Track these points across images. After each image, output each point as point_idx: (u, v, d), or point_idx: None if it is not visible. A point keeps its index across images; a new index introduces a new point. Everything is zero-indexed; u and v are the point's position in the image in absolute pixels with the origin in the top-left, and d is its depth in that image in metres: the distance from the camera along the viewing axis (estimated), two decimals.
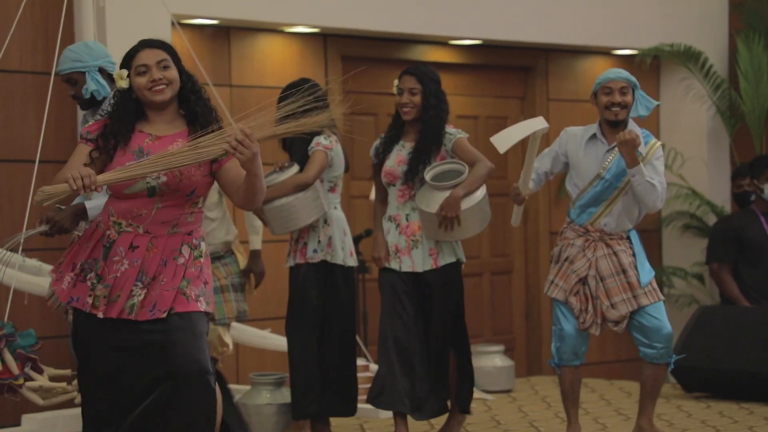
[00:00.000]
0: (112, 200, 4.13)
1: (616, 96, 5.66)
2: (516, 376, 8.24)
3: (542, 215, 9.05)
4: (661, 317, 5.61)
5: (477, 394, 7.68)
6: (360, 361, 6.70)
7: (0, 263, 5.10)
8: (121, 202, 4.09)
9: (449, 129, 5.83)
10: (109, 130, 4.09)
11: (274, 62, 7.81)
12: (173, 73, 4.12)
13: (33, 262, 5.80)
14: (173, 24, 6.88)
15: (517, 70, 9.10)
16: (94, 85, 5.06)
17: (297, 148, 5.95)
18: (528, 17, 8.62)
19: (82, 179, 3.87)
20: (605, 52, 9.29)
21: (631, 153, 5.47)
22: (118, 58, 6.72)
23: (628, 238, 5.70)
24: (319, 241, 5.95)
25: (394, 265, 5.84)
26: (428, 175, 5.67)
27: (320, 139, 5.90)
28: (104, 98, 5.08)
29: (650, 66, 9.16)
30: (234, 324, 6.30)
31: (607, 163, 5.65)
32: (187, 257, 4.11)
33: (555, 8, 8.72)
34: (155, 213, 4.08)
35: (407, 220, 5.83)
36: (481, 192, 5.75)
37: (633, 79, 5.74)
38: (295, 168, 5.86)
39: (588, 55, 9.27)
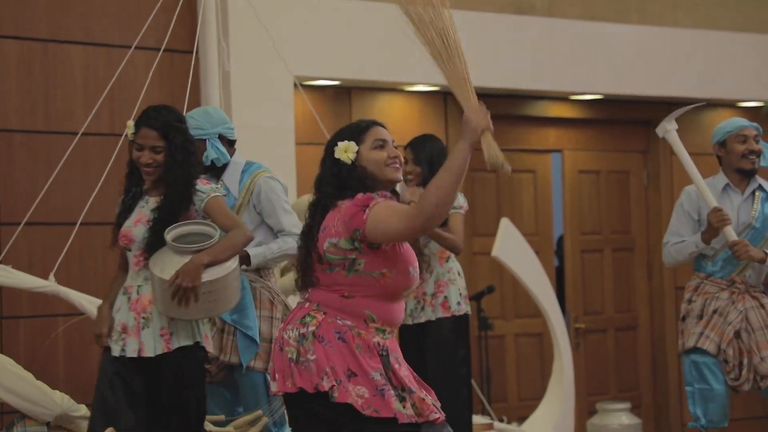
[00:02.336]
0: (373, 302, 3.78)
1: (752, 144, 5.56)
2: None
3: (667, 269, 8.91)
4: None
5: None
6: (482, 419, 6.65)
7: None
8: (392, 303, 3.80)
9: (201, 186, 4.68)
10: None
11: (395, 121, 7.88)
12: (400, 154, 3.97)
13: None
14: (296, 85, 7.00)
15: (639, 124, 9.03)
16: (214, 153, 5.04)
17: None
18: (649, 70, 8.55)
19: (486, 115, 3.89)
20: (730, 105, 9.16)
21: None
22: (242, 121, 6.92)
23: None
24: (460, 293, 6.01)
25: (115, 349, 4.60)
26: (169, 235, 4.57)
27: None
28: (224, 165, 5.09)
29: None
30: None
31: (754, 212, 5.53)
32: None
33: (676, 61, 8.64)
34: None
35: (138, 293, 4.65)
36: (232, 264, 4.62)
37: (760, 128, 5.67)
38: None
39: (712, 108, 9.15)
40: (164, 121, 4.62)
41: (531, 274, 7.47)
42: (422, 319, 6.01)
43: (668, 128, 5.64)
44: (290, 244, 5.00)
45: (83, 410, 4.99)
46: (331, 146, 3.89)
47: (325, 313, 3.77)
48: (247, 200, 5.09)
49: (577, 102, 8.69)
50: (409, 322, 6.00)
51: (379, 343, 3.75)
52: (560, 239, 8.96)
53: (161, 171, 4.62)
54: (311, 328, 3.74)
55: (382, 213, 3.69)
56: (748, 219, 5.51)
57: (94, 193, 6.20)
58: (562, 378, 7.78)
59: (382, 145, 3.89)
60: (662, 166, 8.91)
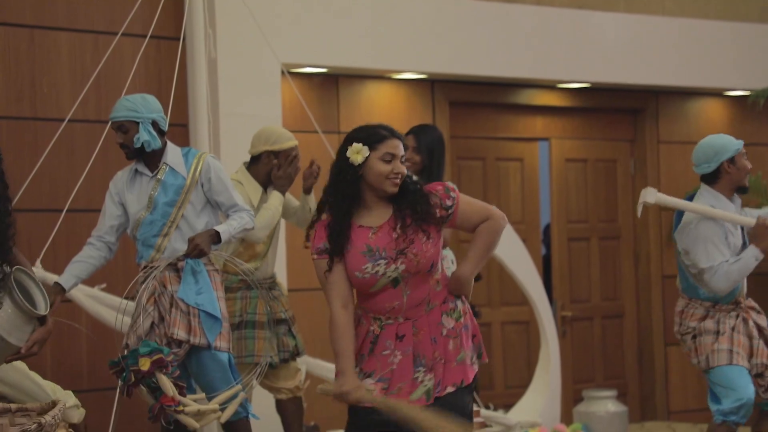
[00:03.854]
0: (360, 296, 4.13)
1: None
2: (629, 421, 8.13)
3: (654, 258, 8.93)
4: None
5: None
6: None
7: (120, 312, 5.23)
8: (371, 298, 4.09)
9: None
10: (332, 228, 4.06)
11: (382, 109, 7.88)
12: (404, 169, 4.09)
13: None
14: (283, 73, 7.00)
15: (627, 112, 9.04)
16: (146, 135, 5.16)
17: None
18: (637, 59, 8.56)
19: (353, 400, 3.99)
20: (717, 94, 9.18)
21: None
22: (229, 108, 6.91)
23: None
24: None
25: None
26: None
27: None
28: (153, 150, 5.21)
29: (763, 107, 9.02)
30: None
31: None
32: (451, 326, 4.09)
33: (664, 49, 8.66)
34: (407, 300, 4.05)
35: None
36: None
37: None
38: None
39: (699, 97, 9.17)
40: None
41: (518, 262, 7.49)
42: None
43: (650, 200, 5.64)
44: (246, 220, 5.23)
45: (72, 399, 5.00)
46: (347, 138, 4.10)
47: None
48: (196, 180, 5.21)
49: (565, 90, 8.70)
50: None
51: (373, 332, 4.08)
52: (547, 227, 8.98)
53: None
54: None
55: (317, 274, 4.12)
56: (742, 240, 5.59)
57: (81, 180, 6.19)
58: (548, 366, 7.80)
59: (390, 159, 4.03)
60: (649, 155, 8.92)
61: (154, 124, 5.21)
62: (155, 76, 6.99)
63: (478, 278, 7.26)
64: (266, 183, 5.87)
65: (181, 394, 4.93)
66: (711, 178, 5.57)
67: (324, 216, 4.09)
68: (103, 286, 5.93)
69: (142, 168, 5.27)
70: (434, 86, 8.13)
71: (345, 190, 4.04)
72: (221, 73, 6.98)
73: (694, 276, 5.54)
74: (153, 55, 6.95)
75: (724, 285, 5.43)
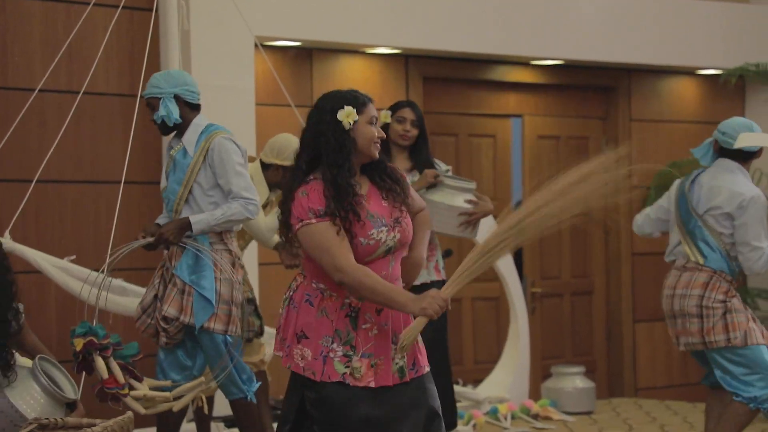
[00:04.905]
0: None
1: None
2: (597, 397, 8.19)
3: (624, 236, 8.98)
4: None
5: (557, 415, 7.65)
6: None
7: (89, 284, 5.21)
8: None
9: None
10: (339, 194, 3.88)
11: (356, 83, 7.86)
12: (383, 134, 4.05)
13: (118, 282, 5.89)
14: (256, 46, 6.97)
15: (599, 90, 9.06)
16: (163, 111, 5.11)
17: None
18: (610, 37, 8.58)
19: (440, 307, 3.80)
20: (689, 72, 9.21)
21: None
22: (202, 81, 6.87)
23: None
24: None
25: None
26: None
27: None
28: (178, 125, 5.15)
29: (735, 86, 9.07)
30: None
31: None
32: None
33: (637, 28, 8.67)
34: (391, 272, 3.96)
35: None
36: None
37: None
38: None
39: (671, 75, 9.20)
40: None
41: None
42: (418, 282, 6.09)
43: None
44: (234, 210, 5.06)
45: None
46: (326, 105, 3.98)
47: (305, 277, 3.95)
48: (202, 159, 5.12)
49: (538, 67, 8.70)
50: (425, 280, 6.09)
51: (350, 304, 3.88)
52: (519, 204, 8.99)
53: None
54: (290, 293, 3.97)
55: (311, 241, 3.85)
56: None
57: (51, 151, 6.16)
58: (517, 342, 7.85)
59: (374, 122, 4.00)
60: (621, 133, 8.95)
61: (179, 99, 5.15)
62: (127, 47, 6.95)
63: (449, 253, 7.31)
64: (274, 186, 5.92)
65: (134, 377, 4.90)
66: (740, 156, 5.69)
67: (312, 181, 3.90)
68: (73, 257, 5.91)
69: (174, 142, 5.23)
70: (408, 61, 8.12)
71: (342, 156, 3.90)
72: (194, 46, 6.94)
73: (733, 248, 5.61)
74: (126, 25, 6.90)
75: (762, 269, 5.60)
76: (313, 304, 3.89)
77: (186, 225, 5.04)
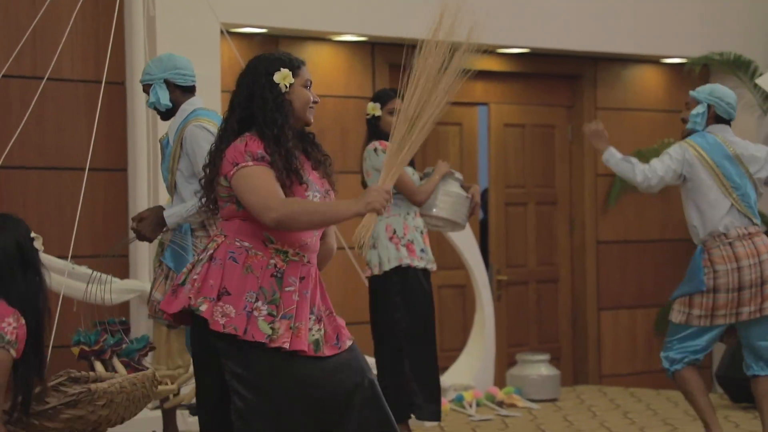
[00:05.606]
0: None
1: None
2: (561, 385, 8.23)
3: (589, 224, 9.02)
4: None
5: (522, 402, 7.69)
6: None
7: (49, 269, 5.19)
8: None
9: None
10: (281, 148, 3.80)
11: (323, 70, 7.85)
12: (317, 98, 4.02)
13: (83, 270, 5.87)
14: (222, 32, 6.94)
15: (565, 78, 9.09)
16: (152, 97, 5.13)
17: None
18: (576, 25, 8.60)
19: (384, 200, 3.76)
20: (654, 61, 9.25)
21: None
22: None
23: None
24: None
25: None
26: None
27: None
28: (169, 110, 5.16)
29: (699, 75, 9.11)
30: None
31: None
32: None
33: (603, 16, 8.70)
34: (315, 240, 3.88)
35: None
36: None
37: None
38: None
39: (637, 64, 9.24)
40: None
41: None
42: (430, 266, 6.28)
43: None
44: None
45: None
46: (260, 67, 3.91)
47: (225, 236, 3.83)
48: (179, 148, 5.12)
49: (504, 55, 8.72)
50: (431, 267, 6.26)
51: (276, 265, 3.77)
52: (485, 192, 9.01)
53: None
54: (209, 252, 3.81)
55: (245, 183, 3.75)
56: None
57: (15, 136, 6.11)
58: (483, 329, 7.87)
59: (308, 86, 3.95)
60: (586, 121, 8.96)
61: (169, 83, 5.14)
62: (92, 32, 6.90)
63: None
64: None
65: (137, 371, 4.94)
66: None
67: (247, 135, 3.81)
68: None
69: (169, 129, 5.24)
70: (374, 49, 8.11)
71: (281, 115, 3.83)
72: (159, 32, 6.90)
73: None
74: (90, 10, 6.85)
75: None
76: (237, 261, 3.76)
77: (161, 219, 5.04)
